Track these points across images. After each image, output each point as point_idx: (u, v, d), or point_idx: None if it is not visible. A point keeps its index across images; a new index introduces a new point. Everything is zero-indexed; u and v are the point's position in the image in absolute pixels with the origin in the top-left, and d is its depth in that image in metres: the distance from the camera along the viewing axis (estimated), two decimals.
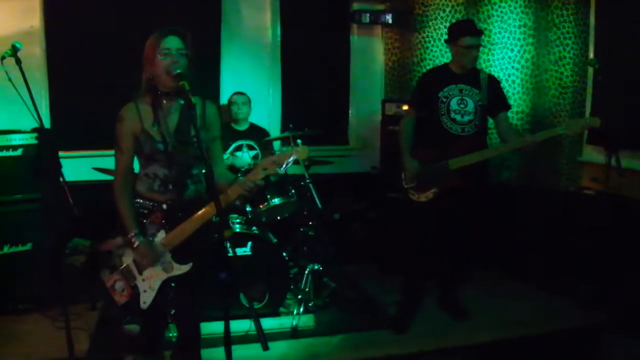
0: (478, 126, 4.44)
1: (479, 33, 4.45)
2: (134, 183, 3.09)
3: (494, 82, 4.52)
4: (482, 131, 4.53)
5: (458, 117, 4.42)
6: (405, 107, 5.69)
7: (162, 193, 3.05)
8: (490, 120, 4.60)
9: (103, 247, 3.16)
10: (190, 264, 3.06)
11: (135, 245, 2.98)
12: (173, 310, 3.85)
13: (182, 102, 3.03)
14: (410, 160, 4.47)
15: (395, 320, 4.63)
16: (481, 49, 5.55)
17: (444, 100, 4.42)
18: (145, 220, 3.05)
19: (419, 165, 4.45)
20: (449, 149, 4.36)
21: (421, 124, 4.58)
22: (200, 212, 3.02)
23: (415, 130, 4.58)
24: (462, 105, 4.41)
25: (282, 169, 2.93)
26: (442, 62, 5.95)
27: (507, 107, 4.56)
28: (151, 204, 3.06)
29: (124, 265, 3.09)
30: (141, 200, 3.07)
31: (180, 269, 3.06)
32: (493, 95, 4.44)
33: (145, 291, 3.07)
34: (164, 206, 3.05)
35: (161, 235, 3.04)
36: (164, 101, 3.04)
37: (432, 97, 4.45)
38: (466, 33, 4.35)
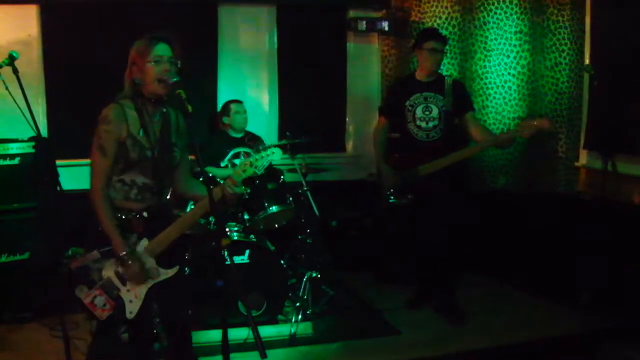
0: (443, 130, 4.68)
1: (443, 38, 4.73)
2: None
3: (457, 87, 4.74)
4: (448, 136, 4.72)
5: (423, 124, 4.68)
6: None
7: (139, 201, 3.00)
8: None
9: (76, 264, 3.01)
10: (177, 267, 3.05)
11: (128, 264, 2.90)
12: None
13: (164, 109, 3.02)
14: (385, 167, 4.73)
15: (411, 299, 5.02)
16: (477, 55, 5.61)
17: (410, 108, 4.69)
18: (122, 231, 2.95)
19: (393, 171, 4.67)
20: (416, 155, 4.61)
21: (392, 132, 4.88)
22: (184, 216, 3.04)
23: (388, 138, 4.88)
24: (426, 112, 4.66)
25: (259, 170, 2.98)
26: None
27: (470, 108, 4.74)
28: (126, 213, 2.98)
29: (105, 278, 2.97)
30: (114, 210, 2.96)
31: (167, 274, 3.03)
32: (456, 99, 4.65)
33: (131, 301, 2.99)
34: (145, 214, 3.00)
35: (144, 243, 2.99)
36: (149, 107, 3.00)
37: (399, 106, 4.72)
38: (430, 37, 4.65)
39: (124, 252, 2.90)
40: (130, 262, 2.90)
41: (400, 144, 4.80)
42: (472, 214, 5.10)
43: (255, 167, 2.97)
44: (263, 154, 3.00)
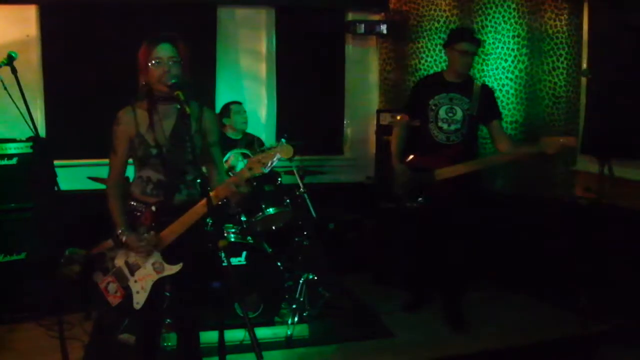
0: (465, 135, 4.51)
1: (476, 41, 4.55)
2: (129, 185, 3.16)
3: (486, 92, 4.58)
4: (470, 141, 4.58)
5: (445, 126, 4.50)
6: (399, 117, 5.77)
7: (155, 196, 3.09)
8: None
9: (96, 251, 3.20)
10: (181, 264, 3.07)
11: (124, 240, 3.01)
12: (169, 319, 3.89)
13: (178, 106, 3.03)
14: (400, 165, 4.56)
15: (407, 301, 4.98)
16: (475, 59, 5.59)
17: (433, 108, 4.51)
18: (136, 223, 3.08)
19: (408, 171, 4.52)
20: (434, 158, 4.46)
21: (412, 130, 4.68)
22: (189, 212, 3.02)
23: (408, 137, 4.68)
24: (450, 114, 4.49)
25: (267, 168, 2.91)
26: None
27: (497, 116, 4.59)
28: (144, 206, 3.09)
29: (117, 267, 3.12)
30: (135, 203, 3.12)
31: (172, 269, 3.07)
32: (484, 105, 4.49)
33: (137, 292, 3.09)
34: (153, 208, 3.07)
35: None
36: (161, 105, 3.06)
37: (423, 104, 4.55)
38: (463, 39, 4.46)
39: (124, 236, 3.01)
40: (125, 237, 3.01)
41: (417, 144, 4.63)
42: (482, 222, 5.03)
43: (263, 165, 2.90)
44: (272, 150, 2.91)
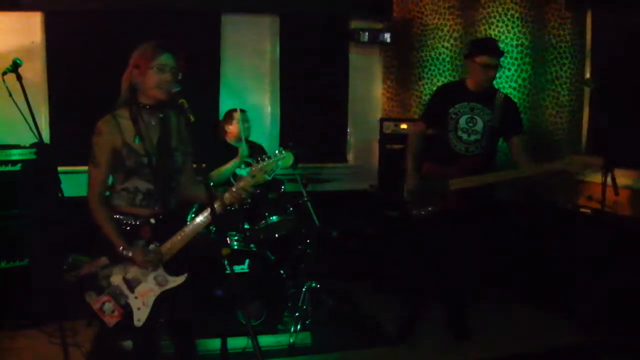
0: (484, 147, 4.39)
1: (499, 54, 4.38)
2: (111, 198, 3.06)
3: (509, 104, 4.44)
4: (489, 153, 4.45)
5: (464, 136, 4.38)
6: (403, 126, 5.79)
7: (146, 207, 3.01)
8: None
9: (85, 271, 3.04)
10: (185, 275, 3.02)
11: (130, 255, 2.90)
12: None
13: (161, 115, 3.03)
14: (414, 172, 4.42)
15: (396, 331, 4.71)
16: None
17: (453, 116, 4.38)
18: (128, 237, 2.96)
19: (421, 178, 4.40)
20: (450, 168, 4.33)
21: (429, 138, 4.56)
22: (192, 224, 2.99)
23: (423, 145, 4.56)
24: (470, 124, 4.36)
25: (270, 175, 2.94)
26: (440, 82, 6.02)
27: (519, 131, 4.44)
28: (133, 219, 3.00)
29: (113, 285, 2.97)
30: (121, 216, 3.00)
31: (175, 281, 3.01)
32: (505, 118, 4.36)
33: (139, 308, 2.97)
34: (152, 220, 3.01)
35: (152, 248, 2.99)
36: (144, 114, 3.02)
37: (442, 112, 4.41)
38: (485, 52, 4.29)
39: (123, 247, 2.91)
40: (131, 253, 2.91)
41: (434, 153, 4.49)
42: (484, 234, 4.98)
43: (266, 172, 2.92)
44: (274, 158, 2.93)
